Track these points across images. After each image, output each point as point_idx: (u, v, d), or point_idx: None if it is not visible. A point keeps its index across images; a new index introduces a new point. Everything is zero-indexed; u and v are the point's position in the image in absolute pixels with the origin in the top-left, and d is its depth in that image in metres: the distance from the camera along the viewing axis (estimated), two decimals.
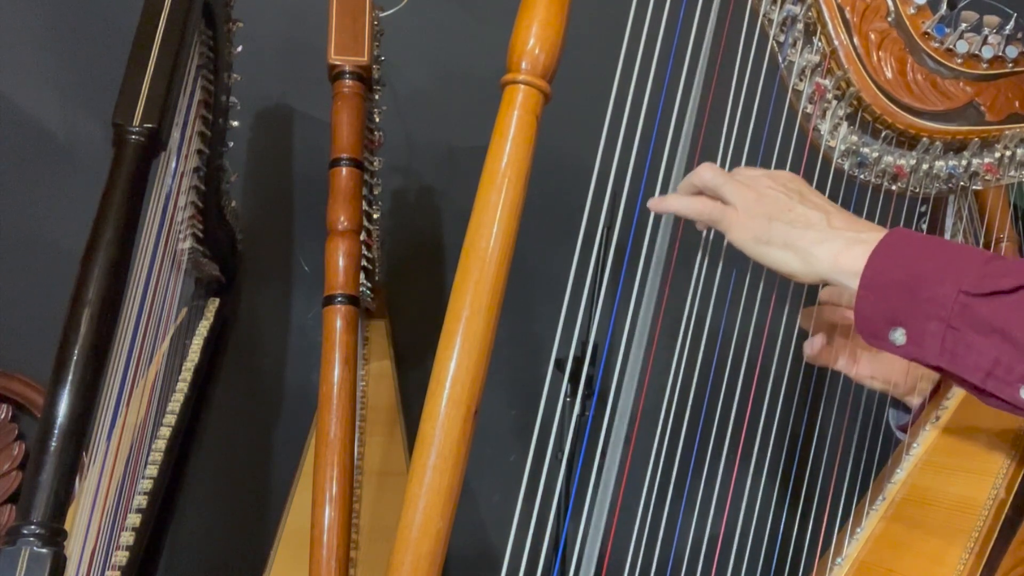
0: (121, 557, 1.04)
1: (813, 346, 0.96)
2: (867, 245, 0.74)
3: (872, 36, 0.89)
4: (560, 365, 0.90)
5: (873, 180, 0.93)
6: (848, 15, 0.88)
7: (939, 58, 0.89)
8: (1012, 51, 0.89)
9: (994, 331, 0.68)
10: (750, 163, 0.87)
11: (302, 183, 1.58)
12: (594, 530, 0.83)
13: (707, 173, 0.83)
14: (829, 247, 0.76)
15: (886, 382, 0.98)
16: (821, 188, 0.86)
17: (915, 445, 0.93)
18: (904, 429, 0.99)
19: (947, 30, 0.89)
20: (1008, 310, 0.68)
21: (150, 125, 0.81)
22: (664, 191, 0.85)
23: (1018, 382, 0.68)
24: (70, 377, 0.71)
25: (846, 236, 0.76)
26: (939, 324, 0.70)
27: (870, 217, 0.91)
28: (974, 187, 0.94)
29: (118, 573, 1.02)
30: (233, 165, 1.28)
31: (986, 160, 0.92)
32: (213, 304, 1.46)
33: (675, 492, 0.86)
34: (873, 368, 0.97)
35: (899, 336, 0.72)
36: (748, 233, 0.80)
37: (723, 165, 0.87)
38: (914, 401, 0.99)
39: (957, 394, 0.94)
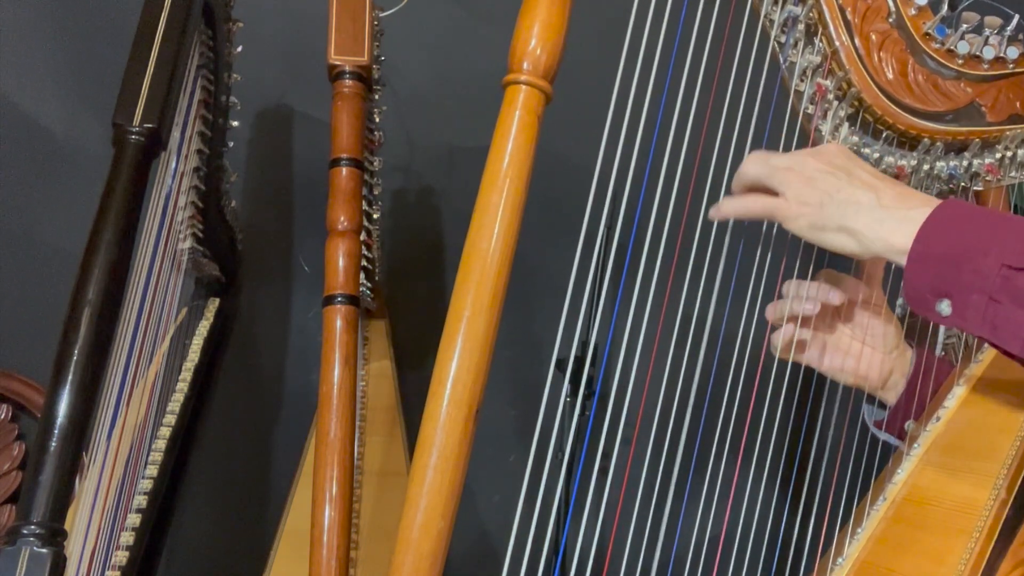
0: (121, 557, 1.04)
1: (783, 338, 0.94)
2: (916, 223, 0.76)
3: (873, 37, 0.89)
4: (561, 366, 0.90)
5: None
6: (849, 16, 0.88)
7: (940, 59, 0.89)
8: (1013, 52, 0.89)
9: None
10: None
11: (302, 183, 1.58)
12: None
13: (752, 168, 0.85)
14: (881, 228, 0.78)
15: (857, 376, 0.97)
16: None
17: (916, 445, 0.93)
18: (880, 426, 0.99)
19: (948, 31, 0.89)
20: None
21: (150, 125, 0.81)
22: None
23: None
24: (70, 377, 0.71)
25: (897, 215, 0.78)
26: (981, 296, 0.72)
27: None
28: (975, 188, 0.94)
29: (118, 573, 1.02)
30: (233, 165, 1.28)
31: (987, 161, 0.92)
32: (213, 304, 1.45)
33: (675, 492, 0.85)
34: (843, 362, 0.96)
35: (945, 307, 0.75)
36: (803, 221, 0.82)
37: (722, 166, 0.86)
38: (887, 397, 0.98)
39: (958, 394, 0.94)
